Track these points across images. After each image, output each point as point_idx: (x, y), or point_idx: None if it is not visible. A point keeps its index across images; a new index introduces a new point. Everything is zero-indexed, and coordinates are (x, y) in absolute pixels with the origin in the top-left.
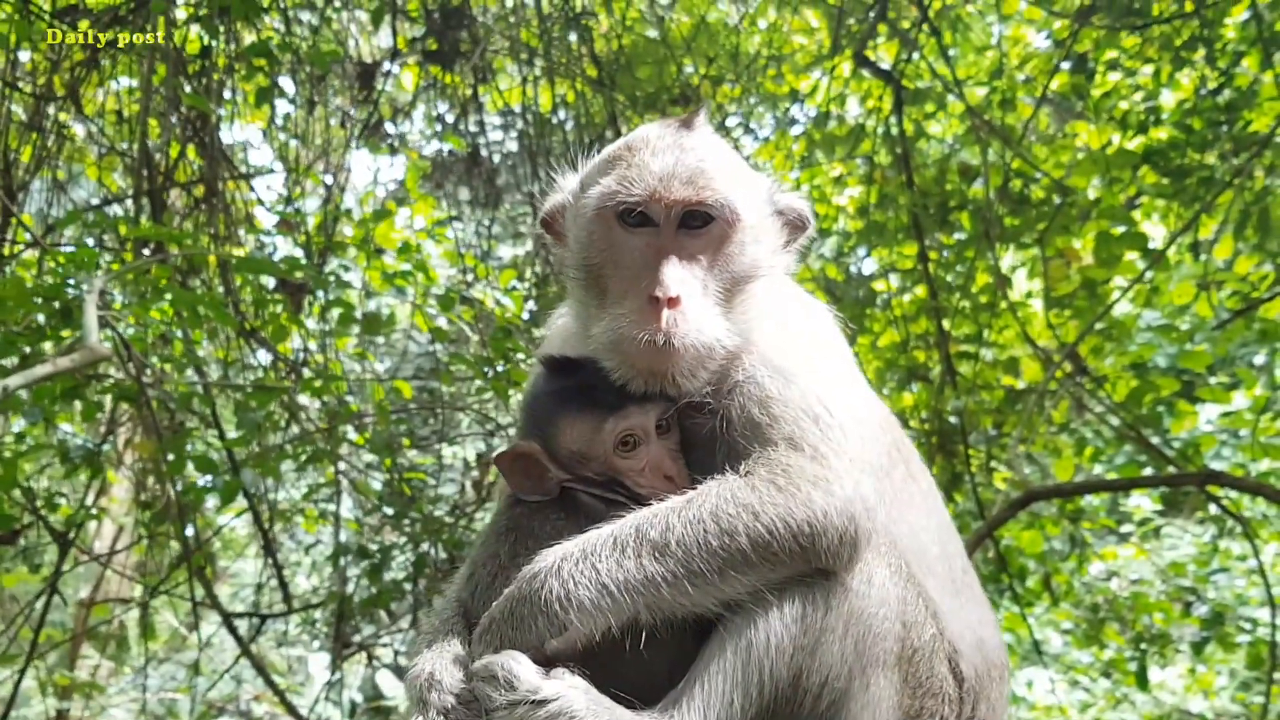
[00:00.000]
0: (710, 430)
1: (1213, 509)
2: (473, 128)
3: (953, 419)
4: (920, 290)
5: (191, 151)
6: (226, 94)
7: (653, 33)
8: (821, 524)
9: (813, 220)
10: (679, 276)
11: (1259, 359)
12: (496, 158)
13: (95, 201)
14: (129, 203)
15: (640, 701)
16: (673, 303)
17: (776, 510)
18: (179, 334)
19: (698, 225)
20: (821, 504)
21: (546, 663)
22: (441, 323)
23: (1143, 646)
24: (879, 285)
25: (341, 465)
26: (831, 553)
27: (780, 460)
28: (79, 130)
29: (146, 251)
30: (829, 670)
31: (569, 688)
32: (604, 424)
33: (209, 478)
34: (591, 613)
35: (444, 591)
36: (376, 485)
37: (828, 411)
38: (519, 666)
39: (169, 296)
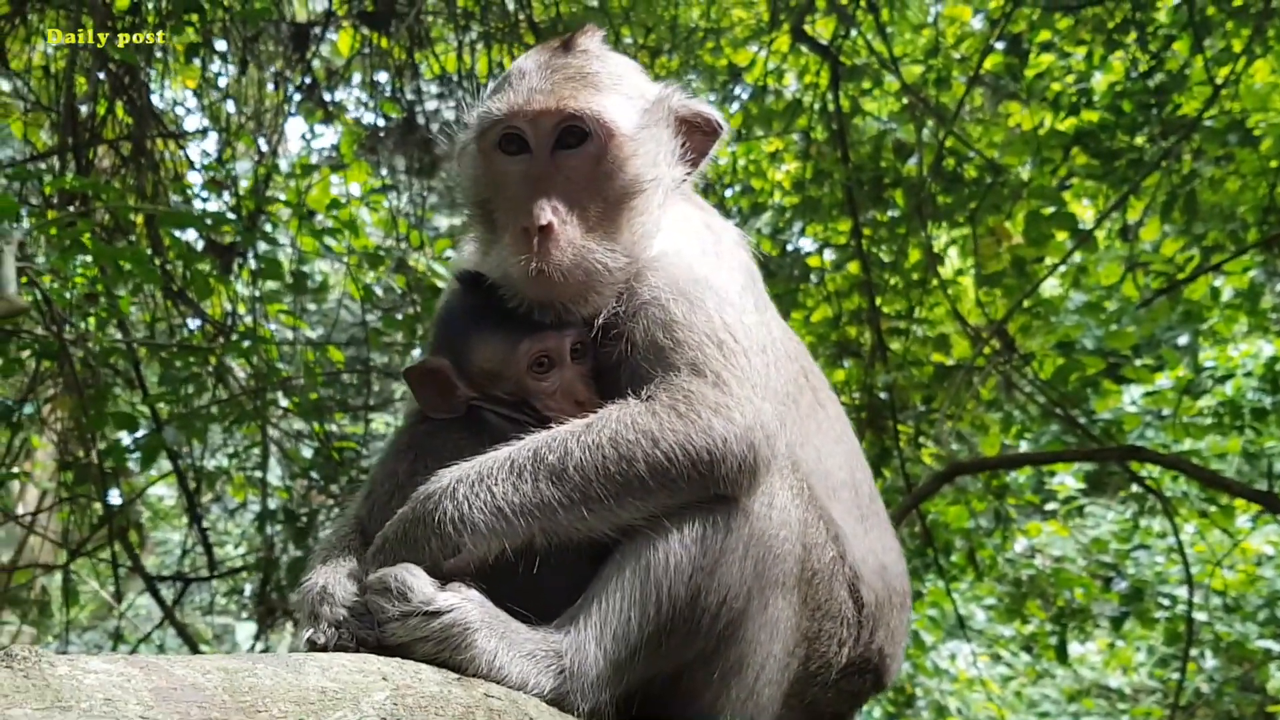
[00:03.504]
0: (618, 354)
1: (1134, 487)
2: (409, 95)
3: (883, 394)
4: (853, 266)
5: (120, 110)
6: (158, 55)
7: (592, 0)
8: (720, 451)
9: (724, 124)
10: (550, 203)
11: (1182, 340)
12: (433, 126)
13: (20, 159)
14: (55, 161)
15: (537, 619)
16: (545, 231)
17: (676, 437)
18: (103, 291)
19: (574, 144)
20: (721, 431)
21: (442, 578)
22: (376, 290)
23: (1063, 621)
24: (813, 261)
25: (272, 432)
26: (730, 480)
27: (682, 386)
28: (4, 86)
29: (71, 210)
30: (727, 590)
31: (464, 600)
32: (519, 344)
33: (131, 436)
34: (486, 535)
35: (343, 510)
36: (307, 454)
37: (732, 337)
38: (413, 578)
39: (91, 252)
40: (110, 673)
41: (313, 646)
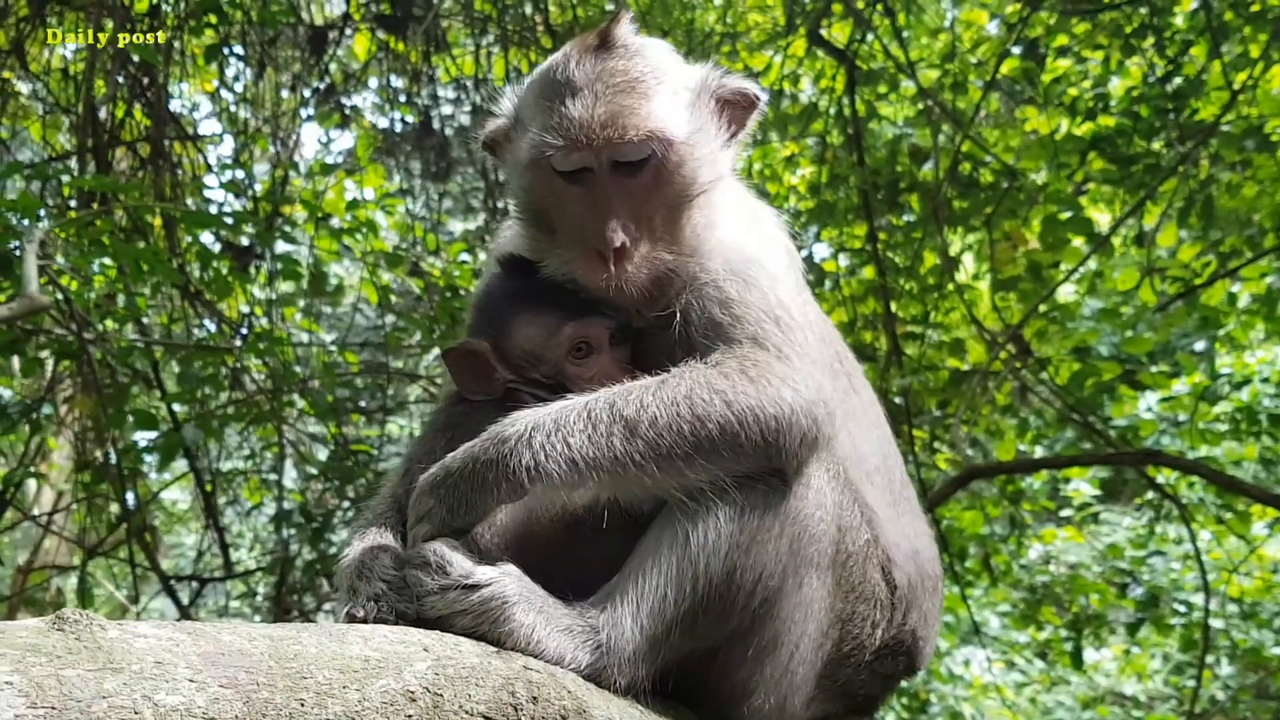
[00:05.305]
0: (667, 341)
1: (1150, 494)
2: (425, 100)
3: (898, 399)
4: (869, 271)
5: (138, 113)
6: (175, 58)
7: (609, 4)
8: (789, 420)
9: (762, 96)
10: (619, 223)
11: (1199, 346)
12: (449, 130)
13: (38, 160)
14: (73, 162)
15: (573, 595)
16: (618, 252)
17: (749, 400)
18: (122, 291)
19: (635, 160)
20: (790, 400)
21: (479, 553)
22: (394, 286)
23: (1078, 628)
24: (828, 266)
25: (287, 434)
26: (791, 451)
27: (749, 355)
28: (23, 88)
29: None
30: (763, 569)
31: (502, 574)
32: (561, 328)
33: (149, 435)
34: (557, 487)
35: (379, 488)
36: (322, 457)
37: (788, 313)
38: (451, 553)
39: (111, 252)
40: (159, 637)
41: (351, 620)
